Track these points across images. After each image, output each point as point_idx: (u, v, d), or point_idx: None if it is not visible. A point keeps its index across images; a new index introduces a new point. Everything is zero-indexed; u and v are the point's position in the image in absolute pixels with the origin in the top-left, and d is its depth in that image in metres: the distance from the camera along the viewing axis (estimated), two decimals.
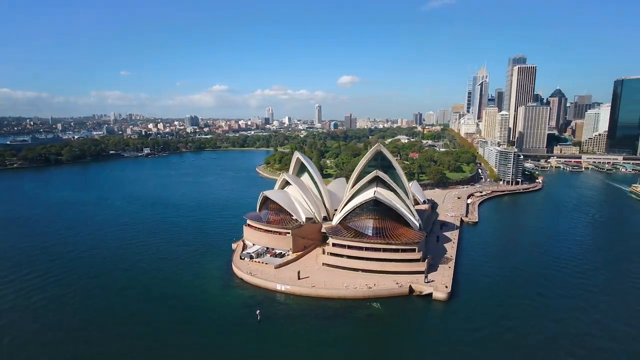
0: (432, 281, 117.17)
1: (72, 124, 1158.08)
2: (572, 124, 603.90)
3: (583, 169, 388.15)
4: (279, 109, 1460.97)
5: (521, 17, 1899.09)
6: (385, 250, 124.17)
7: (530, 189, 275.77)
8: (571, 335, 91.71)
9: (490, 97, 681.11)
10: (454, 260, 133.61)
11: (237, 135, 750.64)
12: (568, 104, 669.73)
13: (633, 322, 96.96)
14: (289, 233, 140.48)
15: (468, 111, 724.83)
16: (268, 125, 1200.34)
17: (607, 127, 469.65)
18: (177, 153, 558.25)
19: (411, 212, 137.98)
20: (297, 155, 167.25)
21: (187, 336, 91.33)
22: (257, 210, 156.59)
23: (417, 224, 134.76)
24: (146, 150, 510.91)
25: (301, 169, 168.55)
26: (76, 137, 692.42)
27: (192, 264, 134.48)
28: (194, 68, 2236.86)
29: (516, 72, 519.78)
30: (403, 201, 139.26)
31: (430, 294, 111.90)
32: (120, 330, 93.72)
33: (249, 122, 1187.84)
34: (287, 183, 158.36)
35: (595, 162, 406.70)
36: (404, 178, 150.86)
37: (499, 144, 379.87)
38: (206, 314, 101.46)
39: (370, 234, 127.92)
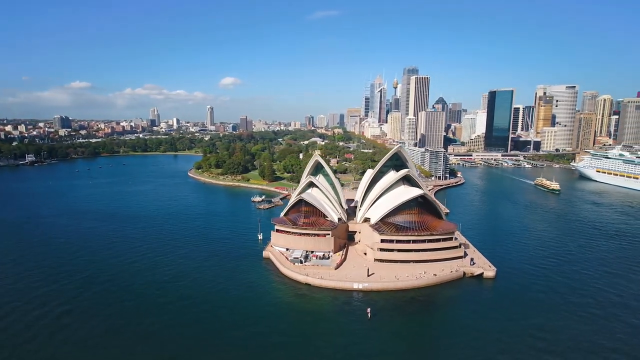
0: (475, 263, 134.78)
1: None
2: (452, 126, 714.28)
3: (477, 165, 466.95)
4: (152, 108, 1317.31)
5: (399, 32, 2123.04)
6: (429, 241, 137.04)
7: (458, 183, 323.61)
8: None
9: (386, 103, 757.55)
10: (470, 244, 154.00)
11: (134, 138, 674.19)
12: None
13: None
14: (329, 234, 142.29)
15: (366, 115, 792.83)
16: (156, 128, 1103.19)
17: (484, 130, 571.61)
18: (68, 160, 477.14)
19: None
20: (316, 157, 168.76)
21: (315, 352, 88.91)
22: (283, 215, 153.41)
23: (444, 216, 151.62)
24: (30, 158, 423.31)
25: (315, 171, 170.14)
26: None
27: (242, 281, 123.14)
28: (45, 60, 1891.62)
29: (413, 81, 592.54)
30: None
31: (481, 274, 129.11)
32: None
33: (133, 124, 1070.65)
34: (310, 185, 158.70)
35: (483, 158, 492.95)
36: (417, 176, 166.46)
37: (415, 145, 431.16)
38: (312, 327, 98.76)
39: (413, 228, 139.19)
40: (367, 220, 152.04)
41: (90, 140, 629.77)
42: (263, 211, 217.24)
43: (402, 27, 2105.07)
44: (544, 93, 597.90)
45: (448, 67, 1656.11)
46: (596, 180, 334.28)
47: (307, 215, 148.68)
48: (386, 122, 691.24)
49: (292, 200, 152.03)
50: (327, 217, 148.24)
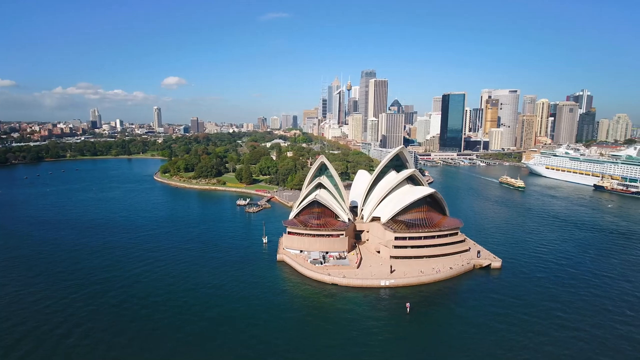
0: (480, 255, 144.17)
1: None
2: (407, 128, 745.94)
3: (437, 164, 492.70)
4: (87, 110, 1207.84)
5: (349, 34, 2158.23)
6: (439, 236, 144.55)
7: (428, 182, 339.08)
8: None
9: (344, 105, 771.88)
10: (469, 239, 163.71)
11: (80, 141, 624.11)
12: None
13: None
14: (342, 234, 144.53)
15: (324, 117, 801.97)
16: (98, 130, 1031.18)
17: (438, 131, 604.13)
18: (8, 166, 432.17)
19: None
20: (322, 159, 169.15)
21: (375, 346, 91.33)
22: (294, 217, 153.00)
23: (448, 212, 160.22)
24: None
25: (319, 173, 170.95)
26: None
27: (266, 286, 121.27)
28: None
29: (372, 84, 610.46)
30: None
31: (489, 265, 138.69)
32: None
33: (72, 126, 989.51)
34: (319, 186, 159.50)
35: (441, 158, 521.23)
36: (419, 174, 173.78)
37: (381, 146, 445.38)
38: (359, 323, 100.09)
39: (422, 225, 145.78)
40: (375, 219, 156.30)
41: (29, 144, 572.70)
42: (253, 214, 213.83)
43: (352, 30, 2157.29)
44: (489, 97, 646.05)
45: (399, 70, 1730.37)
46: (545, 176, 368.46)
47: (319, 216, 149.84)
48: (346, 124, 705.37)
49: (303, 202, 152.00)
50: (338, 218, 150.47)
